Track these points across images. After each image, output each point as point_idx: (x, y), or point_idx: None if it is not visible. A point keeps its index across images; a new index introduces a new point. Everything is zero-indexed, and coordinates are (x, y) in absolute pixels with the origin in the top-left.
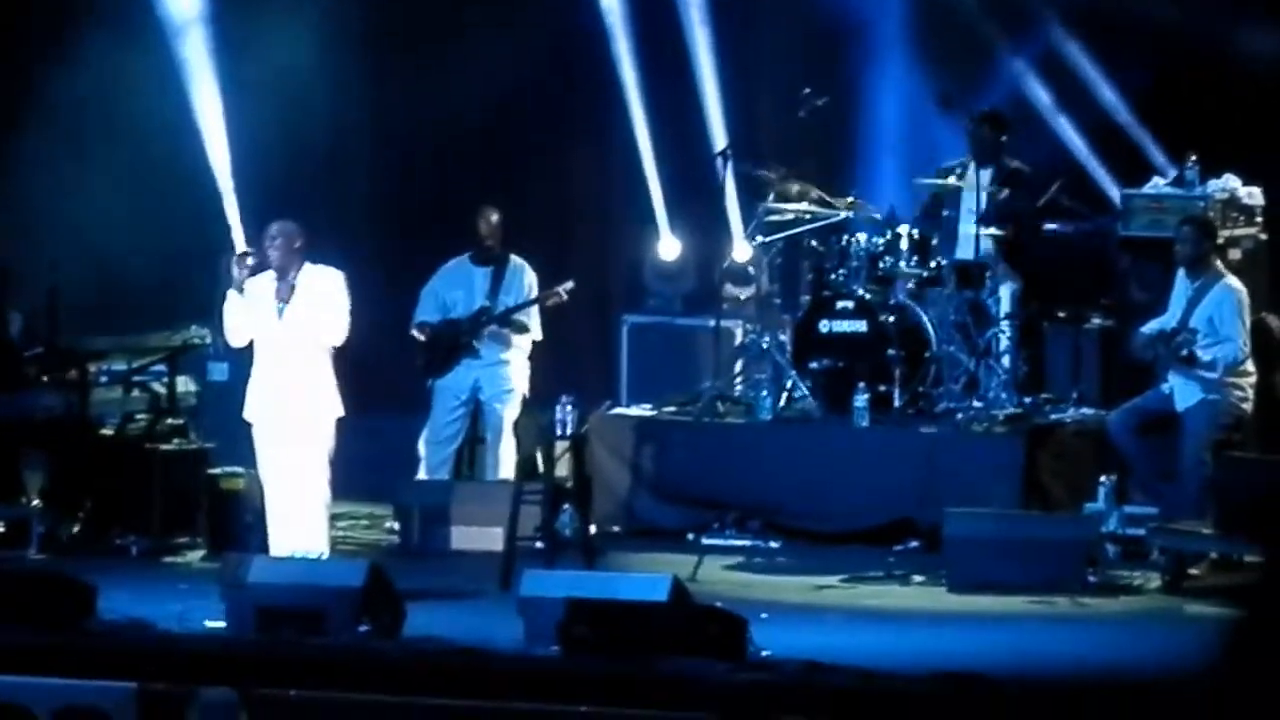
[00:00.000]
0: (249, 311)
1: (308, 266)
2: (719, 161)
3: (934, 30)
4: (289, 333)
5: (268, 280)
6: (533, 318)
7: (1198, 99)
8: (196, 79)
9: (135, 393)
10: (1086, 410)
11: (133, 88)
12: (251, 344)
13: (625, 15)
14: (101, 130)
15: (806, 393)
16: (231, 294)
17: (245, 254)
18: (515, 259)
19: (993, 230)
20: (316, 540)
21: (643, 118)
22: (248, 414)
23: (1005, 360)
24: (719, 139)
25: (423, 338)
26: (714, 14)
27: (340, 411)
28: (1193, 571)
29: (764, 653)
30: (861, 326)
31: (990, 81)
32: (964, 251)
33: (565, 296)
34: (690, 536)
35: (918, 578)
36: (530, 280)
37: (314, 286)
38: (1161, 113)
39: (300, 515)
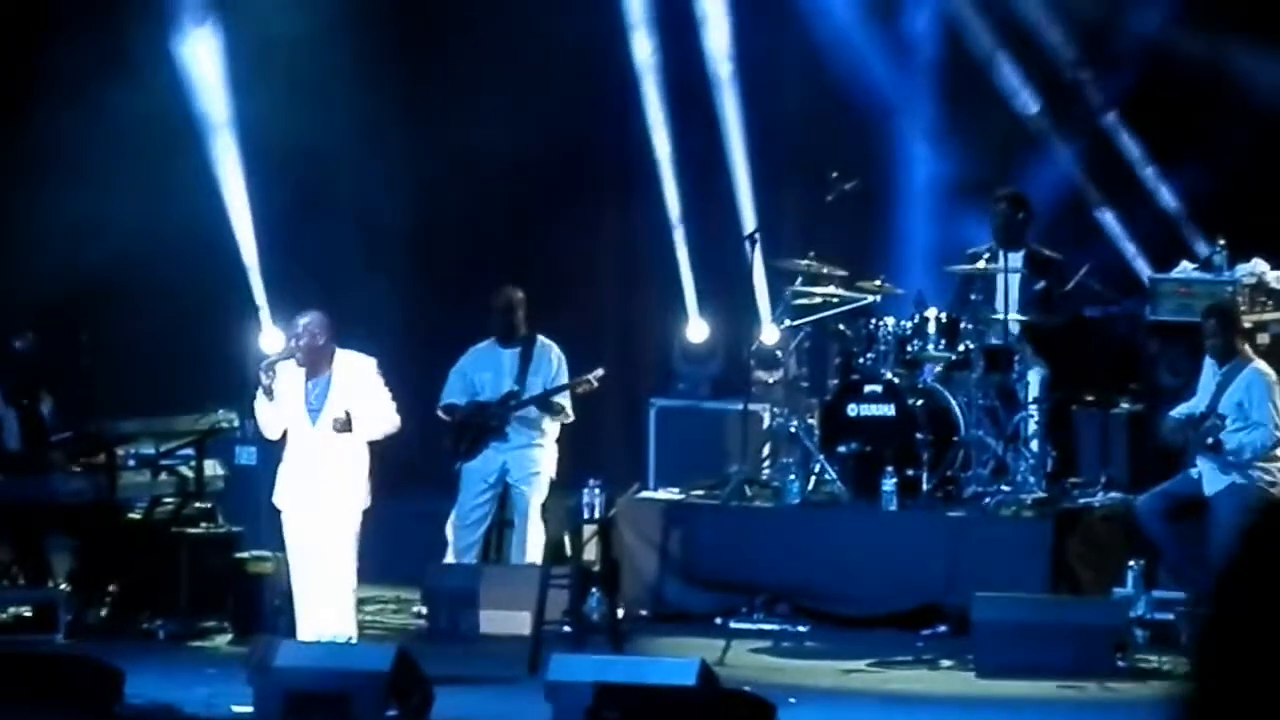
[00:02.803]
0: (278, 410)
1: (338, 356)
2: (747, 244)
3: (963, 115)
4: (326, 434)
5: (297, 375)
6: (565, 401)
7: (1231, 184)
8: (219, 148)
9: (163, 476)
10: (1115, 495)
11: (151, 149)
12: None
13: (655, 99)
14: (125, 214)
15: (834, 477)
16: (260, 397)
17: (272, 363)
18: (542, 339)
19: (1021, 315)
20: (345, 624)
21: (674, 199)
22: (278, 500)
23: (1033, 445)
24: (748, 222)
25: (450, 419)
26: (743, 96)
27: (368, 502)
28: None
29: None
30: (889, 410)
31: (1021, 165)
32: (993, 336)
33: (595, 384)
34: (718, 620)
35: (946, 662)
36: (558, 359)
37: (351, 381)
38: (1200, 199)
39: (328, 599)
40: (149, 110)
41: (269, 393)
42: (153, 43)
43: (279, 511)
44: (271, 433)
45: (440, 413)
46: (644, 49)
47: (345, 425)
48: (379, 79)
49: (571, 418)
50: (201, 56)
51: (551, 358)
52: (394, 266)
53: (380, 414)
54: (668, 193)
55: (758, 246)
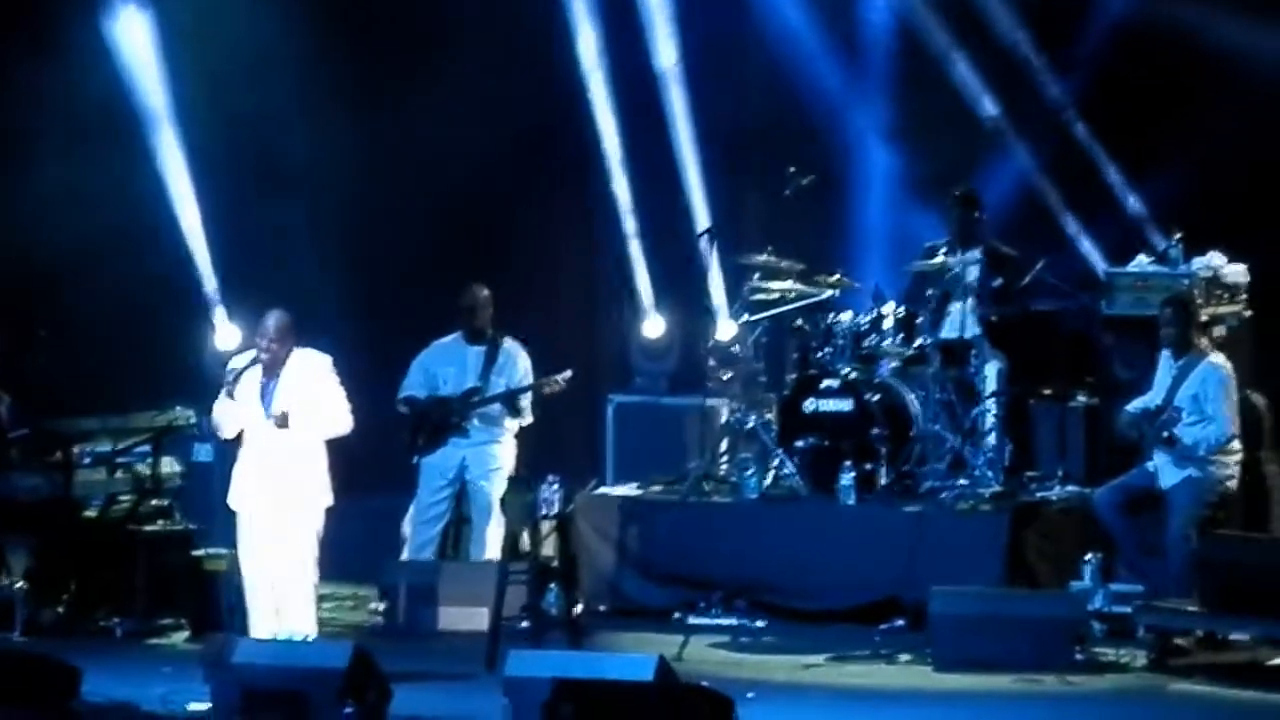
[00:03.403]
0: (238, 409)
1: (294, 355)
2: (703, 241)
3: (920, 110)
4: (279, 431)
5: (254, 373)
6: (527, 400)
7: (1184, 175)
8: (161, 136)
9: (119, 474)
10: (1072, 488)
11: (90, 138)
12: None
13: (609, 97)
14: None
15: (792, 471)
16: (222, 398)
17: (240, 374)
18: (510, 341)
19: (978, 309)
20: (304, 623)
21: (627, 197)
22: (233, 501)
23: (990, 439)
24: (703, 218)
25: (409, 412)
26: (699, 93)
27: (330, 500)
28: (1179, 649)
29: None
30: (847, 405)
31: (978, 161)
32: (949, 330)
33: (563, 385)
34: (676, 615)
35: (904, 656)
36: (524, 365)
37: (301, 380)
38: (1151, 189)
39: (288, 597)
40: (85, 96)
41: (231, 395)
42: (81, 25)
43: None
44: (228, 432)
45: (399, 404)
46: (591, 48)
47: (283, 421)
48: (332, 78)
49: (531, 420)
50: (134, 38)
51: (518, 361)
52: (350, 262)
53: (330, 414)
54: (618, 189)
55: (714, 243)
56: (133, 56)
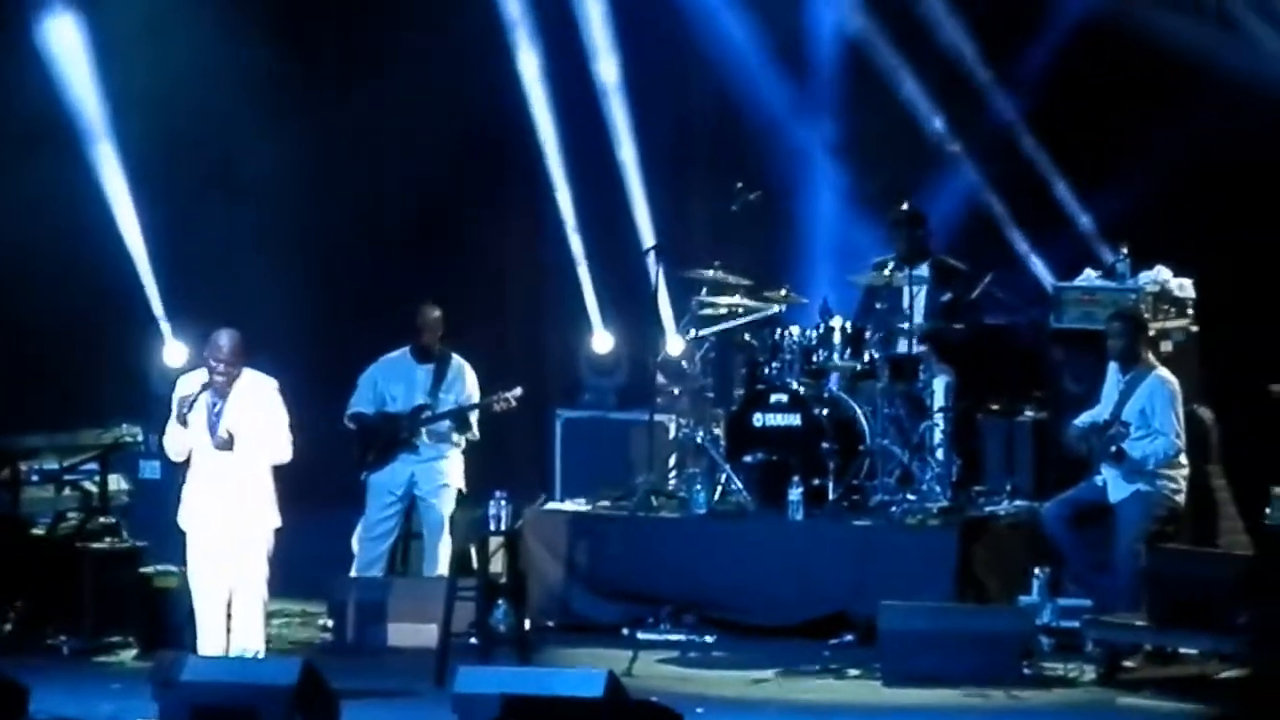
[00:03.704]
0: (188, 434)
1: (242, 376)
2: (649, 257)
3: (867, 126)
4: (224, 452)
5: (204, 396)
6: (473, 418)
7: (1131, 190)
8: (107, 162)
9: (67, 491)
10: (1020, 502)
11: (39, 168)
12: None
13: (552, 112)
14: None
15: (741, 486)
16: (173, 424)
17: (194, 400)
18: (458, 359)
19: (926, 323)
20: (253, 639)
21: (571, 213)
22: (182, 521)
23: (939, 453)
24: (648, 235)
25: (357, 428)
26: (646, 110)
27: (277, 522)
28: (1127, 664)
29: None
30: (795, 420)
31: (926, 175)
32: (898, 345)
33: (514, 402)
34: (625, 631)
35: (853, 671)
36: (471, 382)
37: (248, 404)
38: (1098, 204)
39: (237, 614)
40: (19, 105)
41: (184, 422)
42: (12, 30)
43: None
44: (178, 456)
45: (347, 420)
46: (533, 65)
47: (226, 444)
48: (278, 93)
49: (478, 437)
50: (68, 45)
51: (465, 379)
52: (296, 278)
53: (271, 441)
54: (566, 207)
55: (660, 259)
56: (68, 64)
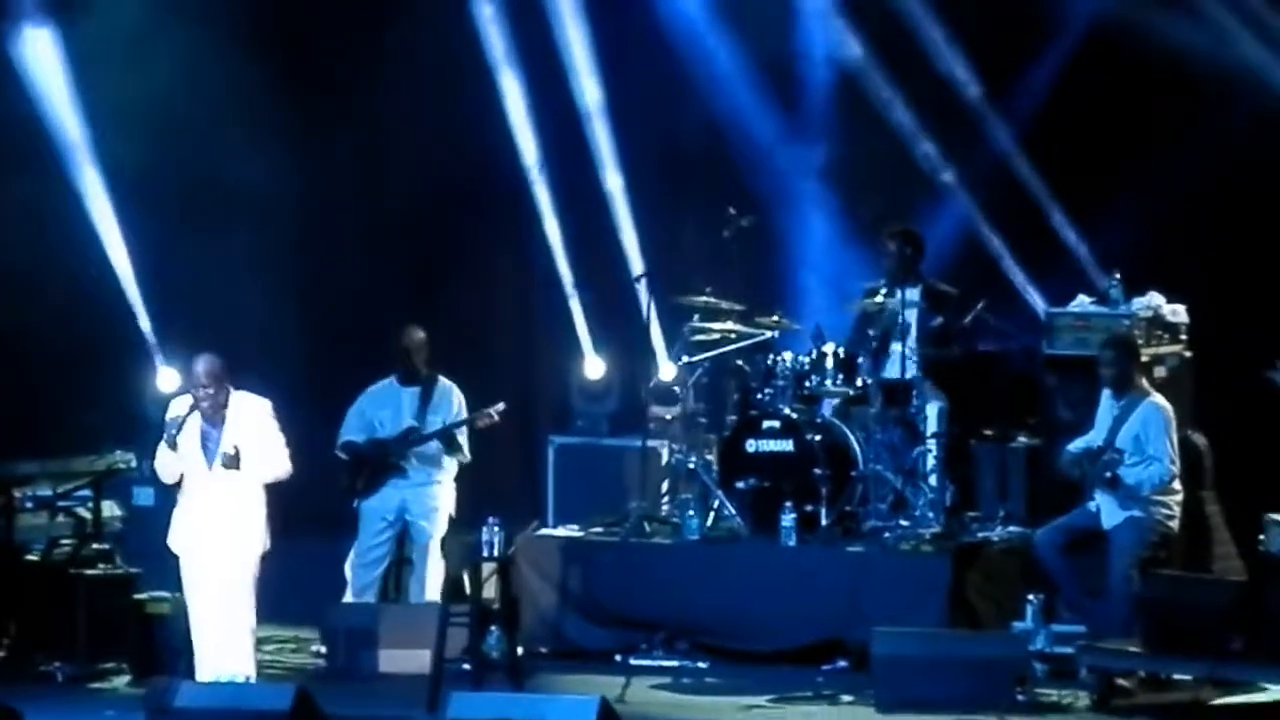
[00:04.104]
0: (179, 458)
1: (233, 397)
2: (639, 284)
3: (860, 151)
4: (221, 478)
5: (193, 418)
6: (462, 437)
7: (1124, 215)
8: (92, 185)
9: (60, 518)
10: (1013, 529)
11: (23, 190)
12: None
13: (543, 137)
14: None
15: (733, 512)
16: (163, 447)
17: (181, 421)
18: (444, 380)
19: (919, 349)
20: (243, 664)
21: (562, 240)
22: (173, 543)
23: (932, 479)
24: (639, 261)
25: (348, 456)
26: (638, 135)
27: (266, 545)
28: (1121, 689)
29: None
30: (788, 446)
31: (918, 201)
32: (890, 370)
33: (496, 418)
34: (618, 657)
35: (846, 697)
36: (459, 402)
37: (244, 423)
38: (1091, 229)
39: (227, 640)
40: (28, 179)
41: (173, 445)
42: None
43: (176, 555)
44: (169, 479)
45: (339, 451)
46: (520, 91)
47: (233, 462)
48: (267, 117)
49: (469, 458)
50: (48, 65)
51: (453, 399)
52: (286, 304)
53: (270, 458)
54: (554, 234)
55: (650, 286)
56: (49, 81)
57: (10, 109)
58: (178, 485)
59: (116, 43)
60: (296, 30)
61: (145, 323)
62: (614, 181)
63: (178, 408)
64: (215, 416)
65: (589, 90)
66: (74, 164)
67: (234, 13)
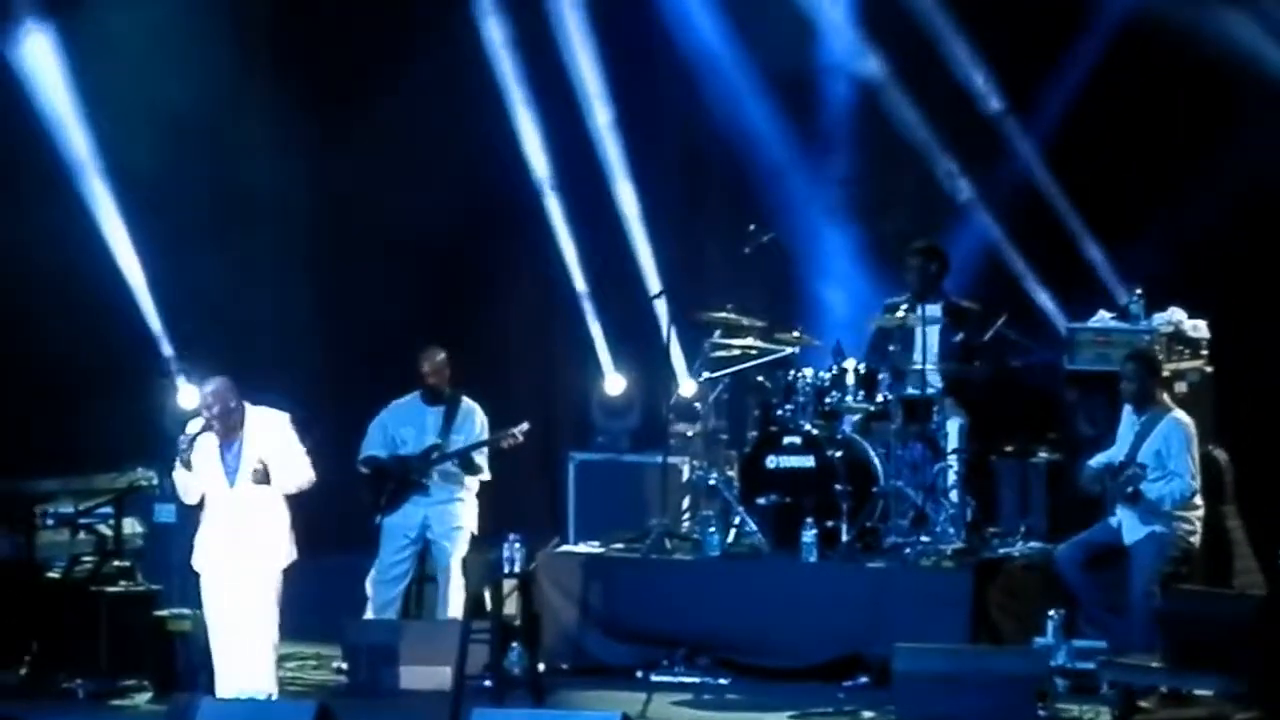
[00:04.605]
0: (196, 477)
1: (250, 414)
2: (658, 302)
3: (882, 168)
4: (243, 495)
5: (210, 438)
6: (484, 458)
7: (1145, 231)
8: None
9: (82, 535)
10: (1034, 544)
11: (46, 212)
12: None
13: (563, 153)
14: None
15: (754, 528)
16: (179, 468)
17: (193, 439)
18: (467, 401)
19: (940, 366)
20: (265, 681)
21: (581, 257)
22: (197, 563)
23: (953, 495)
24: (659, 278)
25: (369, 472)
26: (656, 152)
27: (294, 556)
28: (1142, 705)
29: None
30: (809, 462)
31: (940, 217)
32: (911, 386)
33: (520, 438)
34: (639, 673)
35: (867, 713)
36: (481, 422)
37: (260, 442)
38: (1112, 245)
39: (249, 657)
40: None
41: (188, 464)
42: None
43: (198, 574)
44: (190, 499)
45: (360, 465)
46: (542, 107)
47: (263, 477)
48: (287, 137)
49: (489, 477)
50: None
51: (475, 419)
52: (308, 321)
53: (292, 469)
54: (564, 246)
55: (667, 304)
56: (61, 100)
57: (23, 124)
58: (199, 504)
59: (131, 52)
60: (318, 44)
61: (164, 341)
62: (634, 198)
63: (194, 427)
64: (231, 436)
65: (607, 108)
66: (92, 180)
67: (258, 36)
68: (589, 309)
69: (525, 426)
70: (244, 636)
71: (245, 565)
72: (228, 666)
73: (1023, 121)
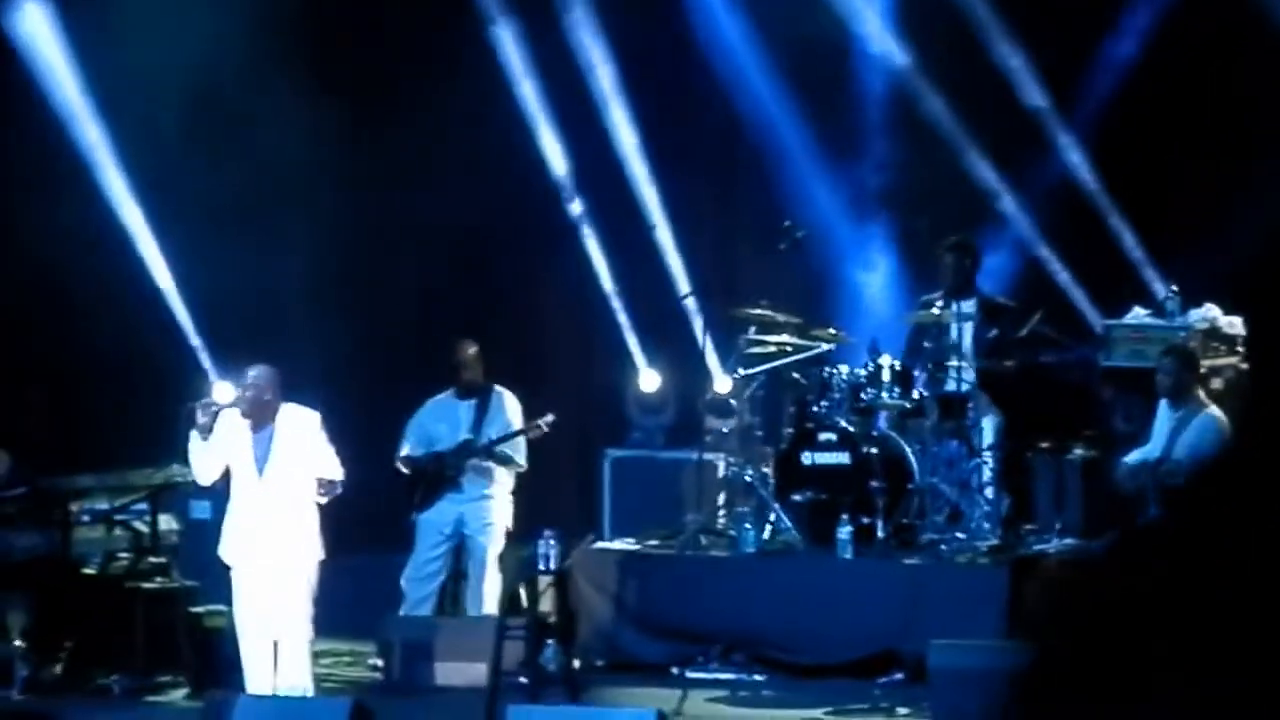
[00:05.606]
0: (213, 453)
1: (283, 410)
2: (689, 300)
3: (918, 162)
4: (272, 487)
5: (242, 427)
6: (518, 449)
7: (1184, 228)
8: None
9: (117, 531)
10: (1070, 541)
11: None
12: (229, 481)
13: (597, 150)
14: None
15: (790, 525)
16: (194, 436)
17: (209, 403)
18: (499, 390)
19: (975, 362)
20: (301, 678)
21: (616, 253)
22: (225, 555)
23: (988, 491)
24: (694, 274)
25: (408, 471)
26: (691, 148)
27: (321, 554)
28: None
29: None
30: (844, 458)
31: (975, 212)
32: (947, 383)
33: (546, 429)
34: (675, 670)
35: (903, 710)
36: (514, 409)
37: (292, 438)
38: (1149, 241)
39: (283, 652)
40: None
41: (204, 431)
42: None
43: (229, 567)
44: (205, 478)
45: (399, 464)
46: (576, 102)
47: (328, 488)
48: (319, 139)
49: (524, 466)
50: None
51: (506, 407)
52: (341, 319)
53: (322, 467)
54: (590, 244)
55: (698, 301)
56: (76, 106)
57: (44, 115)
58: (226, 493)
59: (157, 38)
60: (350, 29)
61: (196, 337)
62: (670, 193)
63: (222, 396)
64: (262, 425)
65: (638, 105)
66: (114, 175)
67: (289, 23)
68: (619, 306)
69: (550, 418)
70: (278, 631)
71: (278, 562)
72: (257, 664)
73: (1063, 115)
